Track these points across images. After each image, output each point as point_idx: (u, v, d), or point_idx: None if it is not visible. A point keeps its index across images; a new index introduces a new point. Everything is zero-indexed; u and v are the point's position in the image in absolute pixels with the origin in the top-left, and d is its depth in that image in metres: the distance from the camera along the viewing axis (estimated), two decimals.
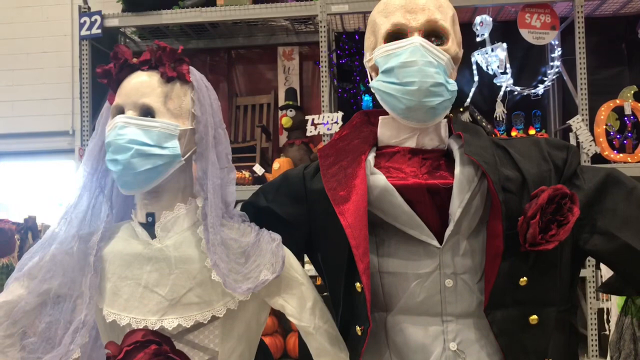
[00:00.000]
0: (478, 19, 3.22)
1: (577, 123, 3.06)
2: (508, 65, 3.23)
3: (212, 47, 3.85)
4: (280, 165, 3.26)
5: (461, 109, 3.26)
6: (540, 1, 3.14)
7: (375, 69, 1.24)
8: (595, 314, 2.99)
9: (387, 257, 1.20)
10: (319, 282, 2.23)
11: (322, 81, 3.20)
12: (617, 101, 3.21)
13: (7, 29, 4.35)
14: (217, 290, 1.16)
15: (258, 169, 3.30)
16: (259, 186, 1.44)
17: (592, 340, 3.00)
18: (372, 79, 1.26)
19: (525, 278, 1.12)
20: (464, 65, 2.12)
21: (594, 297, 2.99)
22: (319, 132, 3.18)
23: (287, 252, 1.23)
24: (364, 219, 1.15)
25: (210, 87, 1.28)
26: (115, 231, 1.23)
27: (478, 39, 3.22)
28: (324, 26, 3.22)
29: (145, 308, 1.14)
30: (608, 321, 2.83)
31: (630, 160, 3.10)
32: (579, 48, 3.07)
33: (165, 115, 1.18)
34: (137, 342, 1.08)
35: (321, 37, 3.21)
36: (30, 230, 3.24)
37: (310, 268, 1.71)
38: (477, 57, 3.25)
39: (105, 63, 1.22)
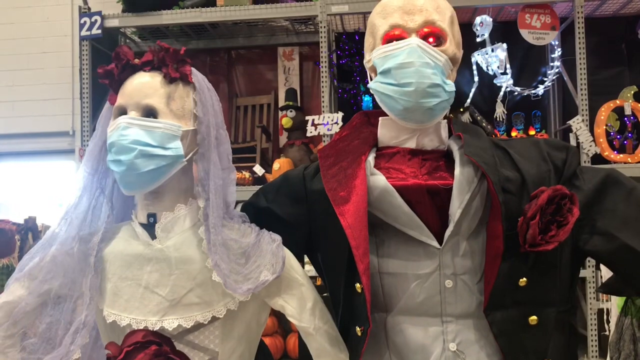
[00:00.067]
0: (478, 20, 3.22)
1: (577, 123, 3.06)
2: (508, 66, 3.23)
3: (212, 48, 3.85)
4: (280, 165, 3.26)
5: (461, 110, 3.26)
6: (540, 1, 3.14)
7: (374, 70, 1.25)
8: (595, 314, 2.99)
9: (387, 258, 1.20)
10: (319, 282, 2.23)
11: (322, 81, 3.20)
12: (617, 101, 3.21)
13: (8, 30, 4.35)
14: (217, 290, 1.16)
15: (258, 170, 3.30)
16: (259, 187, 1.45)
17: (592, 340, 3.00)
18: (371, 80, 1.27)
19: (525, 279, 1.12)
20: (464, 65, 2.11)
21: (593, 298, 2.98)
22: (319, 132, 3.18)
23: (287, 252, 1.23)
24: (364, 219, 1.15)
25: (212, 88, 1.28)
26: (115, 232, 1.23)
27: (478, 40, 3.22)
28: (324, 26, 3.22)
29: (146, 309, 1.14)
30: (608, 322, 2.83)
31: (630, 161, 3.10)
32: (579, 48, 3.07)
33: (168, 116, 1.18)
34: (138, 342, 1.08)
35: (321, 37, 3.21)
36: (30, 231, 3.25)
37: (310, 269, 1.71)
38: (477, 57, 3.25)
39: (106, 63, 1.22)
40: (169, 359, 1.09)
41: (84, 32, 3.41)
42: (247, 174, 3.25)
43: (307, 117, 3.23)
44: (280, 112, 3.61)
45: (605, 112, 3.15)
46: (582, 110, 3.06)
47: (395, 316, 1.20)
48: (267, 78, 3.86)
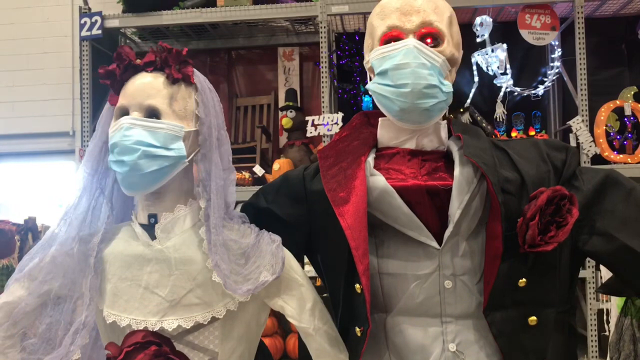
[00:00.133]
0: (478, 20, 3.22)
1: (577, 124, 3.06)
2: (508, 66, 3.23)
3: (212, 48, 3.85)
4: (280, 166, 3.26)
5: (461, 110, 3.26)
6: (540, 2, 3.14)
7: (373, 71, 1.25)
8: (594, 314, 2.99)
9: (387, 259, 1.20)
10: (318, 283, 2.23)
11: (322, 82, 3.20)
12: (617, 102, 3.21)
13: (8, 30, 4.35)
14: (217, 291, 1.17)
15: (258, 170, 3.30)
16: (259, 187, 1.45)
17: (591, 341, 3.00)
18: (371, 80, 1.27)
19: (524, 279, 1.13)
20: (464, 66, 2.11)
21: (593, 298, 2.98)
22: (319, 133, 3.18)
23: (287, 253, 1.23)
24: (363, 220, 1.16)
25: (213, 89, 1.29)
26: (115, 232, 1.23)
27: (478, 40, 3.22)
28: (324, 27, 3.22)
29: (146, 309, 1.14)
30: (608, 322, 2.83)
31: (630, 161, 3.10)
32: (579, 49, 3.07)
33: (171, 117, 1.18)
34: (137, 343, 1.09)
35: (321, 37, 3.21)
36: (30, 231, 3.25)
37: (310, 269, 1.71)
38: (477, 57, 3.25)
39: (106, 64, 1.22)
40: (169, 359, 1.09)
41: (84, 33, 3.40)
42: (247, 175, 3.25)
43: (307, 118, 3.24)
44: (280, 113, 3.61)
45: (605, 112, 3.15)
46: (582, 110, 3.06)
47: (394, 317, 1.20)
48: (267, 78, 3.86)
